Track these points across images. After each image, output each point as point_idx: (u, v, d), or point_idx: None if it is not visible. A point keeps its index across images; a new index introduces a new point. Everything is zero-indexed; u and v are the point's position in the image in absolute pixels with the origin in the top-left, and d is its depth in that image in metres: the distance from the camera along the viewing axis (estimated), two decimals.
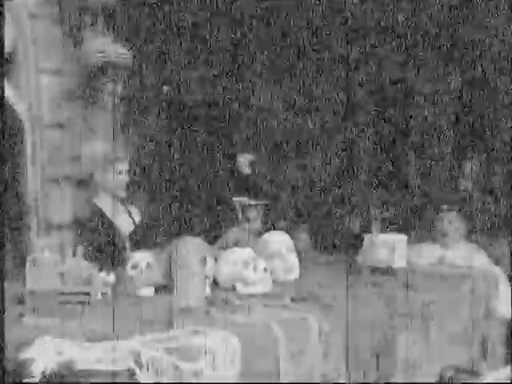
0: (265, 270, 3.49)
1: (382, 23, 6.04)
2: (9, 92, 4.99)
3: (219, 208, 5.02)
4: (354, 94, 6.15)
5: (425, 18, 6.03)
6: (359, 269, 3.98)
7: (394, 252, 3.92)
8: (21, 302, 3.08)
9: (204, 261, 3.31)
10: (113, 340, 2.52)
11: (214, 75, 6.04)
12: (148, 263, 3.40)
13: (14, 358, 2.46)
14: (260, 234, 4.07)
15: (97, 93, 5.47)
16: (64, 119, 5.46)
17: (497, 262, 4.38)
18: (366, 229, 4.20)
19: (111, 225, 4.18)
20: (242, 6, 6.10)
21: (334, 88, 6.20)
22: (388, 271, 3.89)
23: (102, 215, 4.19)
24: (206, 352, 2.56)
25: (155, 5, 5.84)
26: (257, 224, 4.50)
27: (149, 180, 5.53)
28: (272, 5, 6.01)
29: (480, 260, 4.32)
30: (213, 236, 4.15)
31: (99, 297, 3.24)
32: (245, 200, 4.50)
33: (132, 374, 2.44)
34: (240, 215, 4.51)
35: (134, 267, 3.40)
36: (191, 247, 3.34)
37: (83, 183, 4.59)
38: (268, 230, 4.07)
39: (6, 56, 4.69)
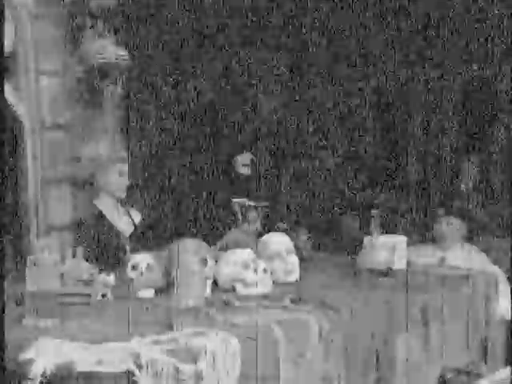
0: (265, 271, 3.49)
1: (382, 23, 6.05)
2: (9, 93, 5.00)
3: (219, 209, 5.02)
4: (354, 93, 6.16)
5: (425, 18, 6.04)
6: (359, 270, 3.98)
7: (394, 253, 3.92)
8: (21, 302, 3.07)
9: (204, 262, 3.31)
10: (113, 341, 2.52)
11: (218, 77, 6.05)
12: (148, 264, 3.40)
13: (13, 358, 2.46)
14: (260, 235, 4.07)
15: (97, 94, 5.48)
16: (64, 120, 5.46)
17: (496, 263, 4.39)
18: (366, 230, 4.19)
19: (111, 226, 4.18)
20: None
21: (333, 88, 6.21)
22: (388, 273, 3.88)
23: (102, 216, 4.19)
24: (205, 353, 2.56)
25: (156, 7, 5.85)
26: (257, 225, 4.50)
27: (149, 181, 5.54)
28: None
29: (480, 261, 4.33)
30: (213, 237, 4.15)
31: (99, 298, 3.24)
32: (244, 201, 4.50)
33: (132, 375, 2.44)
34: (240, 216, 4.52)
35: (134, 269, 3.40)
36: (191, 248, 3.34)
37: (83, 184, 4.59)
38: (268, 231, 4.07)
39: (5, 56, 4.69)
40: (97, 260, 3.55)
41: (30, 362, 2.42)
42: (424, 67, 6.08)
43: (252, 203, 4.66)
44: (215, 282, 3.53)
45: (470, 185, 5.32)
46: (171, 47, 6.26)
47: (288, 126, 6.21)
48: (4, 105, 4.09)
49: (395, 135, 6.15)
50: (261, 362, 2.78)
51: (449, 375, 3.72)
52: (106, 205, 4.28)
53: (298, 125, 6.23)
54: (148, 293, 3.36)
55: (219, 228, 4.63)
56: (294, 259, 3.77)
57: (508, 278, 4.23)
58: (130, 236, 4.25)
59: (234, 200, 4.65)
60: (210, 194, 5.07)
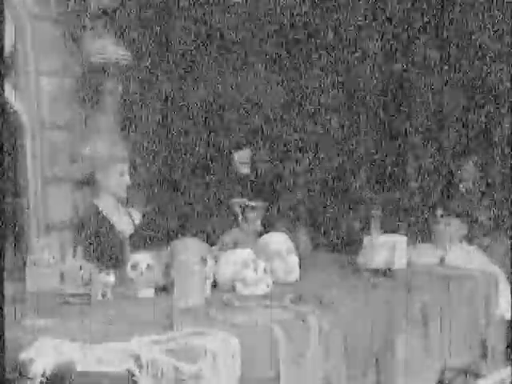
0: (265, 270, 3.49)
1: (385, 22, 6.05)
2: (9, 93, 5.00)
3: (219, 209, 5.01)
4: (354, 91, 6.15)
5: (425, 18, 6.04)
6: (359, 270, 3.98)
7: (394, 253, 3.91)
8: (21, 302, 3.07)
9: (204, 262, 3.31)
10: (113, 341, 2.52)
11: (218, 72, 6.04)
12: (148, 264, 3.40)
13: (13, 358, 2.46)
14: (260, 234, 4.07)
15: (97, 94, 5.48)
16: (64, 120, 5.47)
17: (496, 263, 4.38)
18: (366, 230, 4.19)
19: (111, 226, 4.18)
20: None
21: (334, 87, 6.21)
22: (386, 273, 3.88)
23: (103, 216, 4.19)
24: (205, 353, 2.55)
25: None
26: (256, 225, 4.50)
27: (148, 181, 5.53)
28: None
29: (480, 261, 4.32)
30: (213, 237, 4.15)
31: (99, 298, 3.24)
32: (244, 201, 4.50)
33: (132, 375, 2.44)
34: (240, 216, 4.51)
35: (134, 268, 3.40)
36: (191, 248, 3.34)
37: (83, 184, 4.59)
38: (268, 230, 4.07)
39: (5, 55, 4.69)
40: (97, 260, 3.54)
41: (30, 361, 2.42)
42: (425, 66, 6.08)
43: (252, 203, 4.66)
44: (215, 282, 3.53)
45: (470, 185, 5.32)
46: (172, 46, 6.26)
47: (289, 124, 6.21)
48: (4, 105, 4.08)
49: (395, 135, 6.15)
50: (261, 362, 2.78)
51: (449, 375, 3.72)
52: (107, 204, 4.28)
53: (297, 123, 6.23)
54: (148, 292, 3.36)
55: (219, 228, 4.63)
56: (294, 259, 3.76)
57: (508, 277, 4.23)
58: (130, 236, 4.25)
59: (234, 200, 4.65)
60: (210, 193, 5.07)
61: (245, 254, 3.55)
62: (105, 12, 5.31)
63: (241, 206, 4.47)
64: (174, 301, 3.05)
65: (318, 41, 6.18)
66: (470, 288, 3.98)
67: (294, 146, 6.13)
